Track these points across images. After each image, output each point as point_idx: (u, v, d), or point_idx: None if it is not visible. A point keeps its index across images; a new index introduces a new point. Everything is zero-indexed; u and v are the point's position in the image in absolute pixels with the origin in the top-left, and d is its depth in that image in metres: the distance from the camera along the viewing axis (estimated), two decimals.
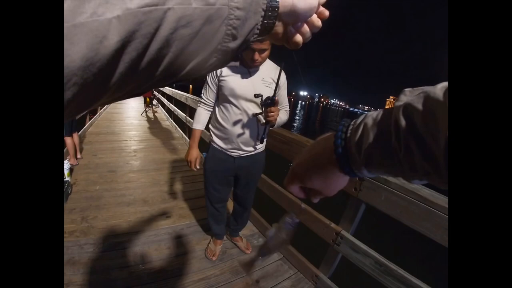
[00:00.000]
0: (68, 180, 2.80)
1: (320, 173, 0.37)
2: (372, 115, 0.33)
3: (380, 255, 1.31)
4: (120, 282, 1.64)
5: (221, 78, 1.49)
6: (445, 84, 0.25)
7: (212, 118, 1.64)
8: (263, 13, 0.29)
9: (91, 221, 2.26)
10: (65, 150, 3.49)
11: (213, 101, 1.60)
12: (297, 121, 33.49)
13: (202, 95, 1.60)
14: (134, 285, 1.63)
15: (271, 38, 0.35)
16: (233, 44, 0.29)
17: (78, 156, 3.68)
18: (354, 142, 0.33)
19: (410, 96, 0.29)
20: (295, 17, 0.33)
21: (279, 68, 1.43)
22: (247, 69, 1.46)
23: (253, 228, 2.31)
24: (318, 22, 0.36)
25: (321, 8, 0.36)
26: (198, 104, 1.64)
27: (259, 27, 0.30)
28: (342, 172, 0.36)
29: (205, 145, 1.83)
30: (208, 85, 1.56)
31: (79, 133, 4.09)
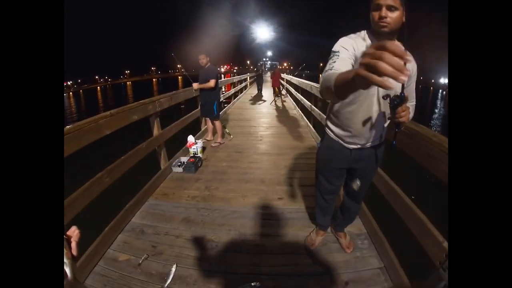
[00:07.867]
0: (199, 156, 3.48)
1: None
2: None
3: None
4: (219, 244, 1.89)
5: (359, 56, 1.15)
6: None
7: (331, 105, 1.45)
8: None
9: (213, 191, 2.68)
10: (210, 129, 4.49)
11: None
12: (436, 116, 24.28)
13: (331, 65, 1.09)
14: (231, 250, 1.84)
15: None
16: None
17: (209, 138, 4.50)
18: None
19: None
20: None
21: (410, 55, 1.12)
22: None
23: (361, 227, 2.10)
24: None
25: None
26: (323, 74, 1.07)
27: None
28: None
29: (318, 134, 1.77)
30: (342, 56, 1.13)
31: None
